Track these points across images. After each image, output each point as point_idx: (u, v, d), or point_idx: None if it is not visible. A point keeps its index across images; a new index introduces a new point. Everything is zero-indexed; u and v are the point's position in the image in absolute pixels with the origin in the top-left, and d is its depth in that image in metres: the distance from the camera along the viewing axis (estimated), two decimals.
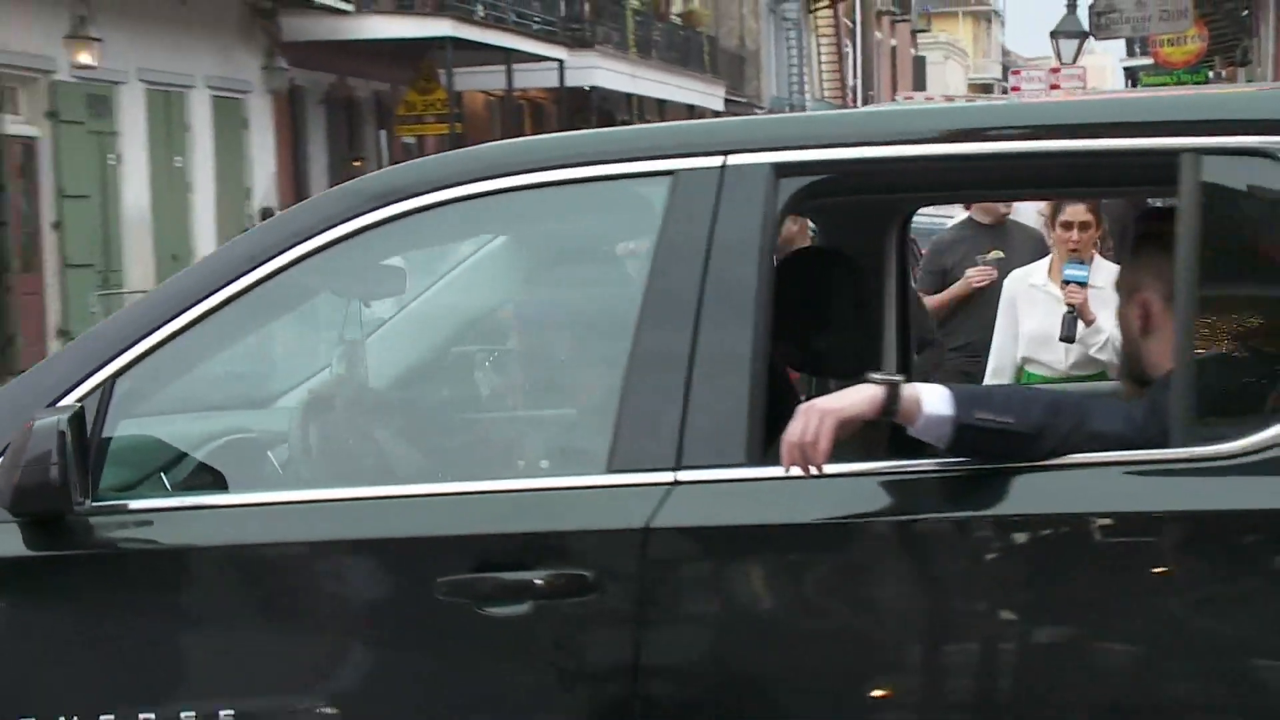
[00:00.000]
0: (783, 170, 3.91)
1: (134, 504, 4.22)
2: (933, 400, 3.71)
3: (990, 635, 3.93)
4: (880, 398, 3.65)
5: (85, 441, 4.03)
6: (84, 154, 23.32)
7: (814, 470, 3.58)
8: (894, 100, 62.89)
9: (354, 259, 4.56)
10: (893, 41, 72.38)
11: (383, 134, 31.73)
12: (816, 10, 59.66)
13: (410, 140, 31.65)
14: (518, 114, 34.32)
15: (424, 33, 29.17)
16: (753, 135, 4.30)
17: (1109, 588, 3.79)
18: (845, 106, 59.25)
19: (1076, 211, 8.60)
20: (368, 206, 4.29)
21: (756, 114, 48.26)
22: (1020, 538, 3.91)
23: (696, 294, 4.02)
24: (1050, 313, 8.37)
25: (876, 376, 3.72)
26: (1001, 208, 10.50)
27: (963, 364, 10.04)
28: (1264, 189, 3.86)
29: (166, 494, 4.43)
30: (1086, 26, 29.41)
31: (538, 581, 3.86)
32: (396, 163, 29.75)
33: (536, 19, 33.74)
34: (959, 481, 3.77)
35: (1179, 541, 3.85)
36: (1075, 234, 8.52)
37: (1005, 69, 76.61)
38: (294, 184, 27.83)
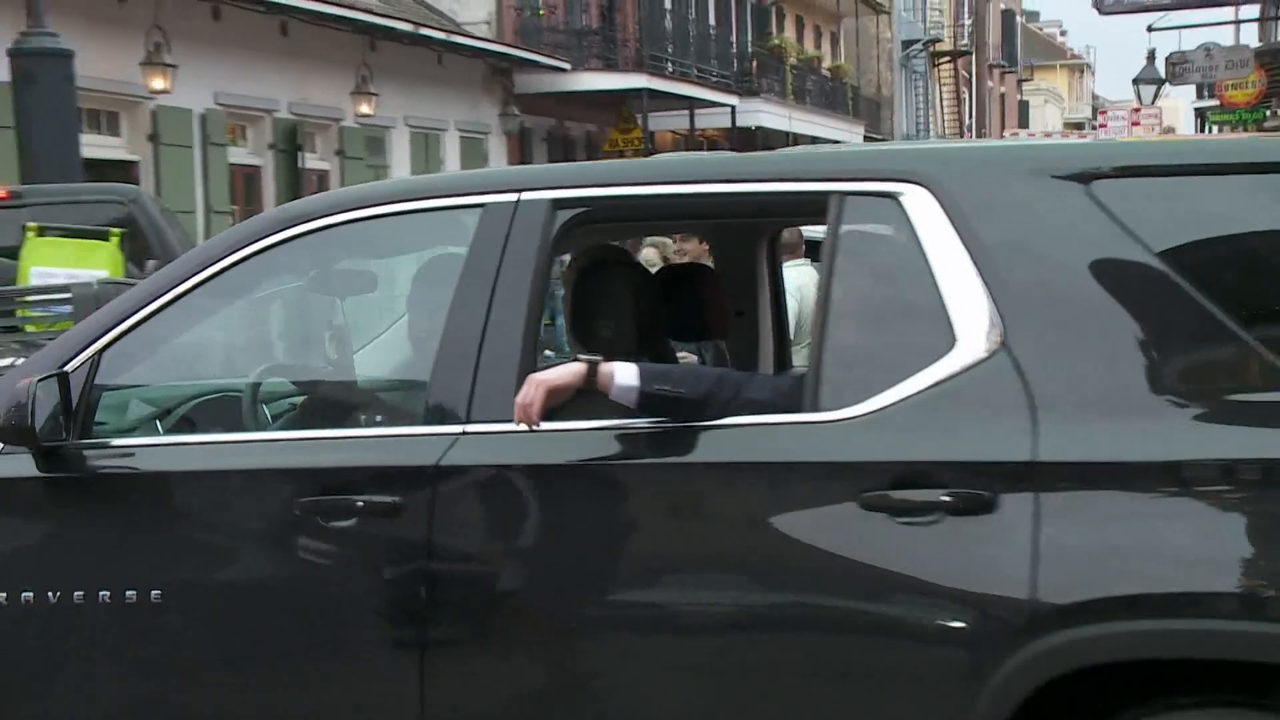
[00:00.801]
0: (558, 204, 4.10)
1: (113, 441, 4.57)
2: (623, 375, 3.84)
3: (669, 541, 4.01)
4: (583, 372, 3.84)
5: (70, 397, 4.33)
6: (363, 183, 23.94)
7: (533, 426, 3.81)
8: (1003, 136, 62.53)
9: (270, 264, 4.73)
10: (1002, 89, 71.10)
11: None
12: (940, 65, 59.19)
13: None
14: (698, 149, 34.50)
15: (625, 85, 29.38)
16: (539, 178, 4.43)
17: (749, 510, 3.89)
18: (963, 140, 58.88)
19: None
20: (277, 228, 4.52)
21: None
22: (692, 475, 3.95)
23: (489, 295, 4.15)
24: None
25: (583, 356, 3.94)
26: None
27: None
28: (887, 220, 3.89)
29: (128, 435, 4.75)
30: (1163, 74, 28.62)
31: (360, 504, 4.05)
32: None
33: (713, 73, 33.94)
34: (654, 435, 3.88)
35: (806, 480, 3.83)
36: None
37: (1094, 110, 75.07)
38: None
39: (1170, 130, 35.31)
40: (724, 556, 3.92)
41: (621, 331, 4.48)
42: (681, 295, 4.98)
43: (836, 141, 42.39)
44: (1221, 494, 3.55)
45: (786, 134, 39.15)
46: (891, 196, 3.86)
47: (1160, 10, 15.09)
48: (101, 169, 17.55)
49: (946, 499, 3.58)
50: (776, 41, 41.20)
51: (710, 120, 33.86)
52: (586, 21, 30.83)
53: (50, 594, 4.41)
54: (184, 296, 4.56)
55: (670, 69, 31.62)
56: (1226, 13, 28.56)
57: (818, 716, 3.80)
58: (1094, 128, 61.17)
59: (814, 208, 4.09)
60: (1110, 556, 3.50)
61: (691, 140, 33.89)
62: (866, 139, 45.28)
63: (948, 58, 60.10)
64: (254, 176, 22.03)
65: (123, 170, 18.97)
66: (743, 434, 3.88)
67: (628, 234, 5.64)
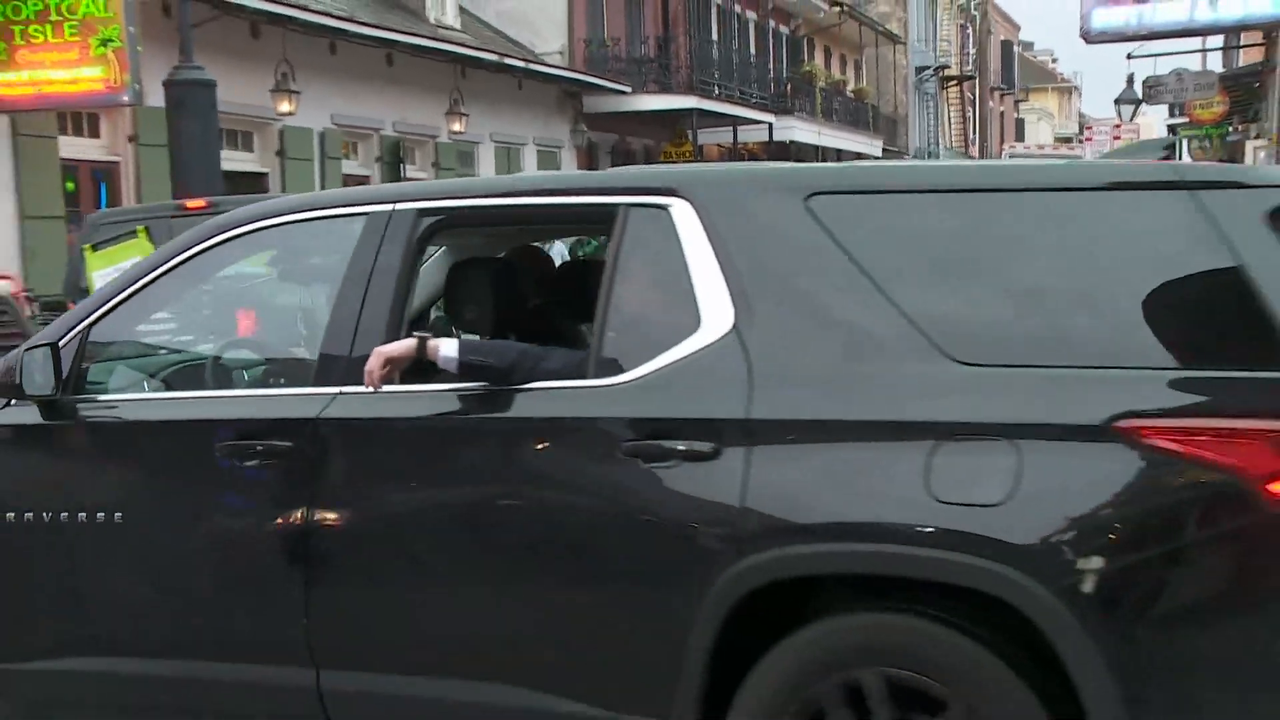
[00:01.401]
0: (422, 213, 4.50)
1: (97, 397, 5.07)
2: (446, 348, 4.20)
3: (481, 476, 4.41)
4: (414, 345, 4.20)
5: (59, 362, 4.73)
6: None
7: (375, 388, 4.21)
8: (1002, 149, 62.15)
9: (215, 260, 5.14)
10: (1001, 109, 70.69)
11: None
12: (948, 88, 58.88)
13: None
14: (739, 161, 34.53)
15: (678, 106, 29.33)
16: (407, 192, 4.87)
17: (541, 453, 4.28)
18: (968, 154, 58.68)
19: None
20: (222, 229, 4.99)
21: (904, 160, 48.03)
22: (499, 426, 4.30)
23: (366, 284, 4.53)
24: None
25: (416, 333, 4.31)
26: None
27: None
28: (657, 225, 4.17)
29: (108, 393, 5.17)
30: (1140, 95, 28.75)
31: (259, 447, 4.47)
32: None
33: (753, 95, 33.79)
34: (474, 395, 4.25)
35: (584, 432, 4.16)
36: None
37: (1081, 126, 74.53)
38: None
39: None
40: (522, 489, 4.28)
41: (483, 313, 4.84)
42: (564, 287, 5.41)
43: (861, 154, 42.61)
44: (878, 445, 3.79)
45: (816, 147, 39.14)
46: (663, 208, 4.19)
47: (1139, 40, 15.13)
48: (238, 180, 17.76)
49: (682, 448, 3.89)
50: (808, 68, 41.16)
51: (750, 135, 33.81)
52: (645, 51, 30.76)
53: (45, 514, 4.86)
54: (148, 286, 5.01)
55: (716, 91, 31.59)
56: (1196, 42, 28.54)
57: (594, 612, 4.12)
58: (1080, 142, 60.96)
59: (608, 216, 4.36)
60: (797, 493, 3.81)
61: (735, 153, 33.87)
62: (885, 151, 45.32)
63: (955, 82, 59.91)
64: (364, 185, 22.08)
65: (255, 181, 19.22)
66: (539, 395, 4.19)
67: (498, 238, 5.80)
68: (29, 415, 4.92)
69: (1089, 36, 13.15)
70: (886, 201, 4.17)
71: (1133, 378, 3.63)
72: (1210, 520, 3.52)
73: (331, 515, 4.48)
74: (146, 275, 5.08)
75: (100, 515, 4.81)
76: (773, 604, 3.83)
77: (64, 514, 4.88)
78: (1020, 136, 72.06)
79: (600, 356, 4.22)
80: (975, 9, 63.11)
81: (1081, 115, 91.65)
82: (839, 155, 42.14)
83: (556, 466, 4.28)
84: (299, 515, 4.50)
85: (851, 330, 3.95)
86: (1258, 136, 27.03)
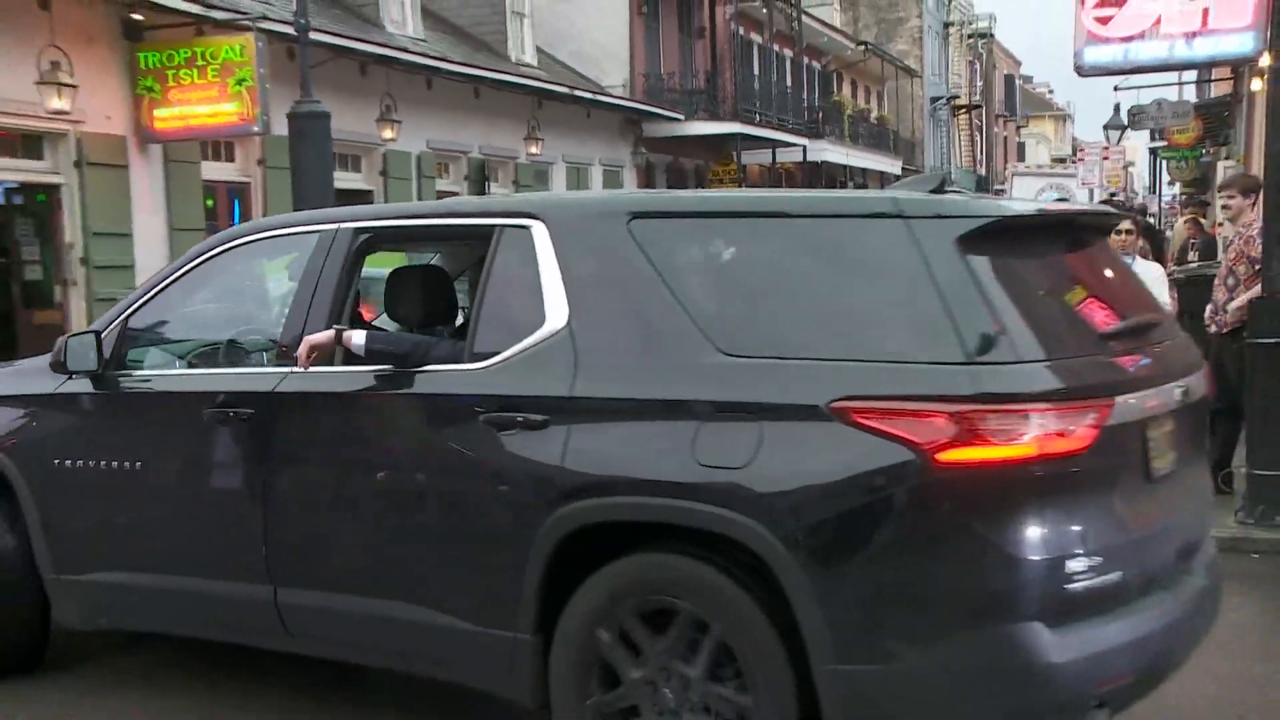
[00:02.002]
0: (359, 231, 5.08)
1: (133, 372, 5.60)
2: (357, 337, 4.76)
3: (381, 435, 4.92)
4: (333, 335, 4.81)
5: (100, 345, 5.42)
6: None
7: (304, 368, 4.83)
8: (1006, 168, 61.64)
9: (232, 262, 5.72)
10: (1005, 133, 70.08)
11: (698, 189, 31.58)
12: (958, 115, 58.45)
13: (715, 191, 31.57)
14: (778, 179, 34.00)
15: (725, 131, 29.19)
16: (348, 215, 5.41)
17: (425, 421, 4.79)
18: (976, 173, 58.23)
19: (1124, 225, 8.47)
20: (231, 239, 5.63)
21: (917, 177, 47.75)
22: (395, 398, 4.81)
23: (314, 285, 5.09)
24: None
25: (336, 326, 4.88)
26: None
27: None
28: (521, 242, 4.62)
29: (138, 369, 5.65)
30: (1126, 122, 28.78)
31: (232, 414, 5.08)
32: None
33: (790, 121, 33.67)
34: (379, 375, 4.76)
35: (456, 405, 4.60)
36: (1123, 237, 8.38)
37: (1074, 149, 73.81)
38: None
39: (1131, 164, 34.88)
40: (410, 448, 4.79)
41: (411, 309, 5.23)
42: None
43: (884, 173, 42.49)
44: (661, 419, 4.17)
45: (845, 167, 39.01)
46: (525, 228, 4.62)
47: (1124, 73, 15.09)
48: (348, 197, 17.74)
49: (521, 419, 4.33)
50: (837, 98, 41.11)
51: (787, 156, 33.63)
52: (696, 84, 30.65)
53: (105, 465, 5.49)
54: (170, 286, 5.66)
55: (758, 118, 31.52)
56: (1174, 76, 28.34)
57: (460, 548, 4.58)
58: (1074, 162, 60.57)
59: (488, 234, 4.80)
60: (601, 457, 4.23)
61: (773, 171, 33.82)
62: (904, 170, 45.04)
63: (964, 110, 59.45)
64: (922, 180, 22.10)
65: (362, 197, 19.28)
66: (426, 376, 4.67)
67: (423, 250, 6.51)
68: (84, 386, 5.57)
69: (1081, 70, 13.07)
70: (682, 224, 4.52)
71: (848, 368, 3.90)
72: (895, 480, 3.78)
73: (278, 465, 5.03)
74: (169, 277, 5.74)
75: (125, 463, 5.46)
76: (594, 545, 4.21)
77: (100, 462, 5.50)
78: (1021, 158, 71.54)
79: (472, 346, 4.64)
80: (981, 47, 62.70)
81: (1074, 139, 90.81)
82: (864, 174, 42.25)
83: (436, 431, 4.71)
84: (258, 465, 5.07)
85: (649, 327, 4.30)
86: (1227, 158, 26.91)
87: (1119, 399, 3.98)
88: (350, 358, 4.93)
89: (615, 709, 4.21)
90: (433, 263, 6.07)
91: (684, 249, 4.45)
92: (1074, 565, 3.80)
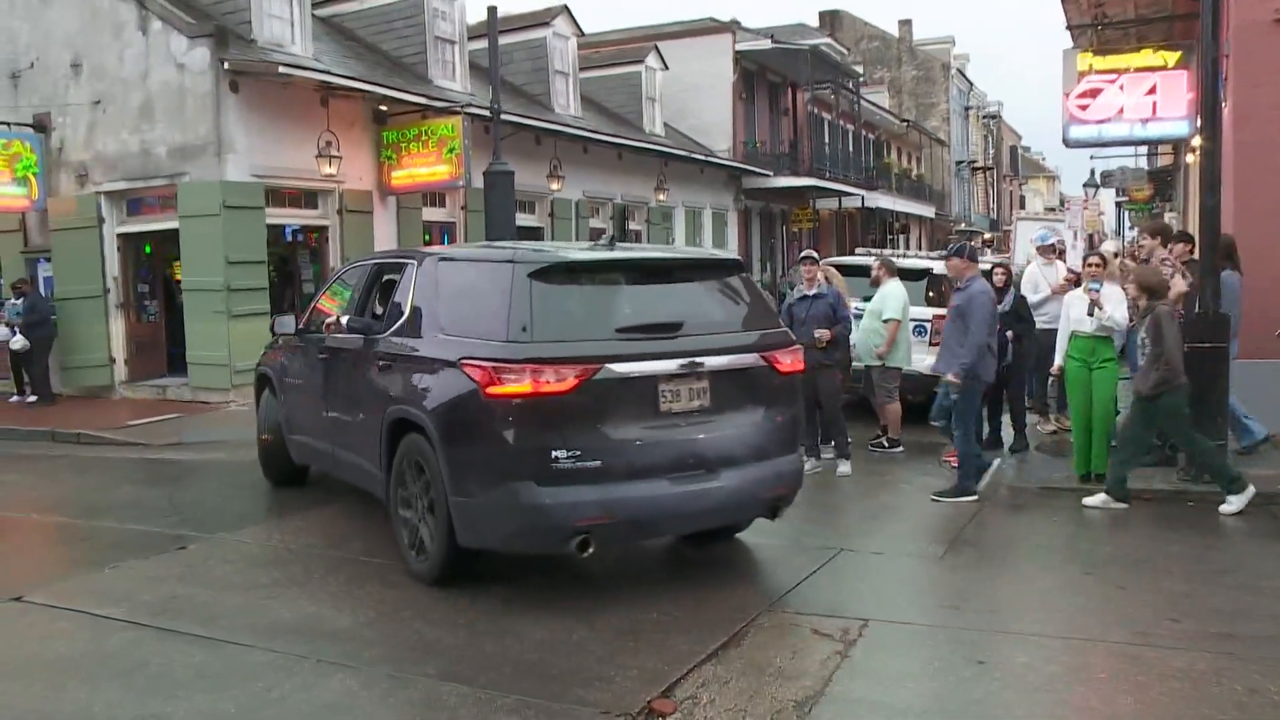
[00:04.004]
0: (377, 266, 7.03)
1: (310, 334, 7.35)
2: (344, 320, 6.64)
3: (346, 371, 6.54)
4: (335, 318, 6.98)
5: (297, 321, 7.63)
6: (658, 239, 23.58)
7: (328, 335, 7.07)
8: (1012, 214, 59.80)
9: (350, 275, 7.39)
10: (1010, 189, 67.58)
11: (783, 228, 31.19)
12: (975, 174, 56.93)
13: (795, 230, 30.96)
14: (842, 221, 33.96)
15: (803, 184, 28.55)
16: (373, 255, 7.37)
17: (358, 363, 6.35)
18: (989, 216, 56.63)
19: (1094, 258, 8.10)
20: (351, 263, 7.54)
21: (948, 225, 46.47)
22: (354, 351, 6.41)
23: (352, 293, 7.07)
24: (1083, 305, 7.74)
25: (340, 314, 6.88)
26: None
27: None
28: (408, 271, 6.23)
29: (309, 332, 7.41)
30: (1099, 181, 29.56)
31: (323, 355, 7.01)
32: (796, 244, 29.79)
33: (851, 176, 32.84)
34: (355, 339, 6.45)
35: (370, 356, 6.13)
36: (1094, 268, 7.91)
37: (1060, 201, 71.52)
38: (744, 251, 27.75)
39: (1102, 214, 34.94)
40: (351, 374, 6.46)
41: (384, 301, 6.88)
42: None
43: (921, 216, 41.56)
44: (416, 367, 5.65)
45: (893, 212, 38.24)
46: (411, 262, 6.25)
47: (1098, 146, 15.53)
48: (525, 232, 17.82)
49: (383, 364, 5.97)
50: (886, 160, 40.03)
51: (849, 203, 32.90)
52: (782, 149, 30.16)
53: (295, 380, 7.62)
54: (332, 286, 7.73)
55: (828, 174, 30.79)
56: (1132, 150, 28.28)
57: (367, 424, 6.14)
58: (1062, 210, 58.68)
59: (403, 266, 6.39)
60: (407, 385, 5.73)
61: (839, 215, 33.11)
62: (936, 214, 44.28)
63: (980, 170, 57.75)
64: (602, 235, 21.97)
65: (535, 233, 19.19)
66: (365, 340, 6.32)
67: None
68: (294, 340, 7.58)
69: (1067, 143, 13.32)
70: (447, 264, 5.92)
71: (467, 342, 5.26)
72: (471, 401, 5.10)
73: (329, 381, 6.89)
74: (332, 282, 7.75)
75: (301, 378, 7.45)
76: (400, 428, 5.69)
77: (295, 377, 7.58)
78: (1023, 206, 69.04)
79: (381, 326, 6.21)
80: (992, 125, 60.99)
81: (1061, 194, 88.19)
82: (907, 216, 41.39)
83: (362, 368, 6.26)
84: (326, 380, 6.91)
85: (429, 319, 5.72)
86: (1171, 210, 26.94)
87: (610, 365, 4.97)
88: (348, 330, 6.65)
89: (402, 499, 5.77)
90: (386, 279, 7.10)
91: (445, 278, 5.80)
92: (558, 453, 4.89)
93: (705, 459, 5.17)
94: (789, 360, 5.55)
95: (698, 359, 5.16)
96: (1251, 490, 7.13)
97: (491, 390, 4.90)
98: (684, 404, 5.14)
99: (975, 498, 7.58)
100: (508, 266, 5.21)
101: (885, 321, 9.47)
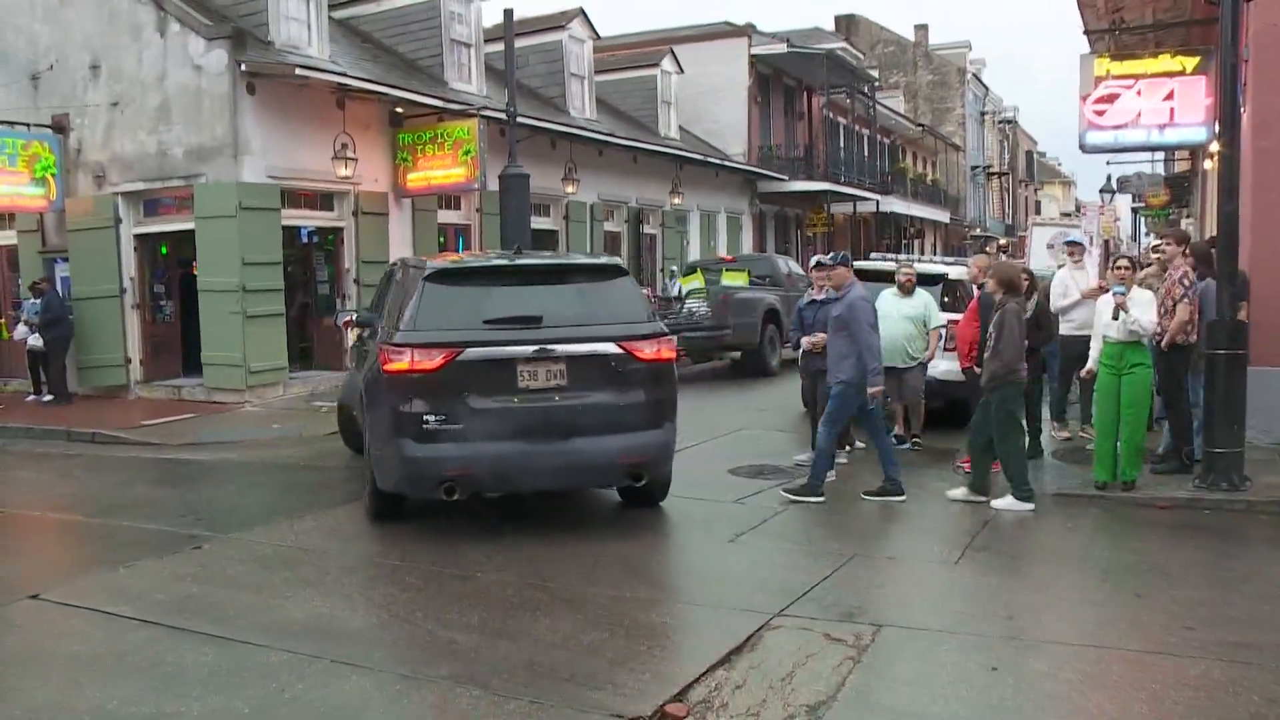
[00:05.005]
0: (388, 272, 7.80)
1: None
2: (353, 317, 7.38)
3: (369, 359, 7.33)
4: (351, 316, 7.90)
5: (358, 319, 8.45)
6: (673, 242, 23.64)
7: (343, 331, 8.54)
8: (1028, 220, 59.49)
9: (417, 275, 7.09)
10: (1025, 194, 67.01)
11: (797, 232, 31.10)
12: (990, 179, 56.61)
13: (810, 234, 30.91)
14: (857, 225, 33.81)
15: (818, 188, 28.52)
16: (406, 261, 7.70)
17: (372, 352, 7.09)
18: (1004, 221, 56.35)
19: (1123, 261, 8.07)
20: (414, 263, 7.26)
21: (963, 228, 46.31)
22: (371, 345, 7.36)
23: (379, 296, 7.98)
24: (1111, 309, 7.61)
25: (353, 312, 7.67)
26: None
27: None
28: (393, 275, 7.26)
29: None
30: (1115, 187, 28.72)
31: (359, 346, 8.34)
32: (811, 248, 29.71)
33: (866, 181, 32.80)
34: (370, 332, 7.78)
35: (379, 344, 6.75)
36: (1121, 271, 7.86)
37: (1077, 207, 71.08)
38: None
39: (1118, 219, 34.60)
40: (369, 359, 7.03)
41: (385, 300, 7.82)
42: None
43: (936, 221, 41.40)
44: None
45: (908, 216, 38.07)
46: (394, 267, 7.45)
47: (1115, 152, 15.25)
48: (540, 236, 17.86)
49: (384, 348, 6.47)
50: (901, 165, 39.95)
51: (864, 208, 32.77)
52: (796, 153, 30.11)
53: (351, 360, 9.46)
54: (381, 293, 8.17)
55: (843, 179, 30.71)
56: (1149, 155, 27.88)
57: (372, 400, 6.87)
58: (1078, 216, 58.37)
59: (391, 274, 7.86)
60: (369, 367, 6.85)
61: (854, 219, 33.01)
62: (951, 219, 44.11)
63: (995, 176, 57.32)
64: (617, 238, 22.00)
65: (550, 236, 19.22)
66: (374, 334, 7.20)
67: None
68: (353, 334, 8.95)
69: (1084, 149, 13.23)
70: (407, 271, 7.07)
71: (392, 332, 6.44)
72: (378, 375, 6.48)
73: (361, 365, 7.55)
74: (385, 290, 8.01)
75: (356, 362, 8.28)
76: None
77: (354, 361, 8.61)
78: (1038, 212, 68.39)
79: (384, 323, 6.88)
80: (1008, 130, 60.57)
81: (1077, 199, 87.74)
82: (922, 221, 41.19)
83: (370, 352, 7.03)
84: (359, 364, 7.74)
85: (391, 313, 6.69)
86: (1188, 216, 26.75)
87: (470, 349, 6.15)
88: (358, 323, 7.83)
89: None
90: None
91: (407, 283, 6.75)
92: (429, 417, 6.15)
93: (558, 428, 6.19)
94: (650, 350, 6.38)
95: (550, 345, 6.20)
96: (1030, 507, 7.28)
97: (386, 367, 6.24)
98: (541, 383, 6.20)
99: (822, 498, 7.60)
100: (418, 273, 6.59)
101: (930, 329, 9.66)
